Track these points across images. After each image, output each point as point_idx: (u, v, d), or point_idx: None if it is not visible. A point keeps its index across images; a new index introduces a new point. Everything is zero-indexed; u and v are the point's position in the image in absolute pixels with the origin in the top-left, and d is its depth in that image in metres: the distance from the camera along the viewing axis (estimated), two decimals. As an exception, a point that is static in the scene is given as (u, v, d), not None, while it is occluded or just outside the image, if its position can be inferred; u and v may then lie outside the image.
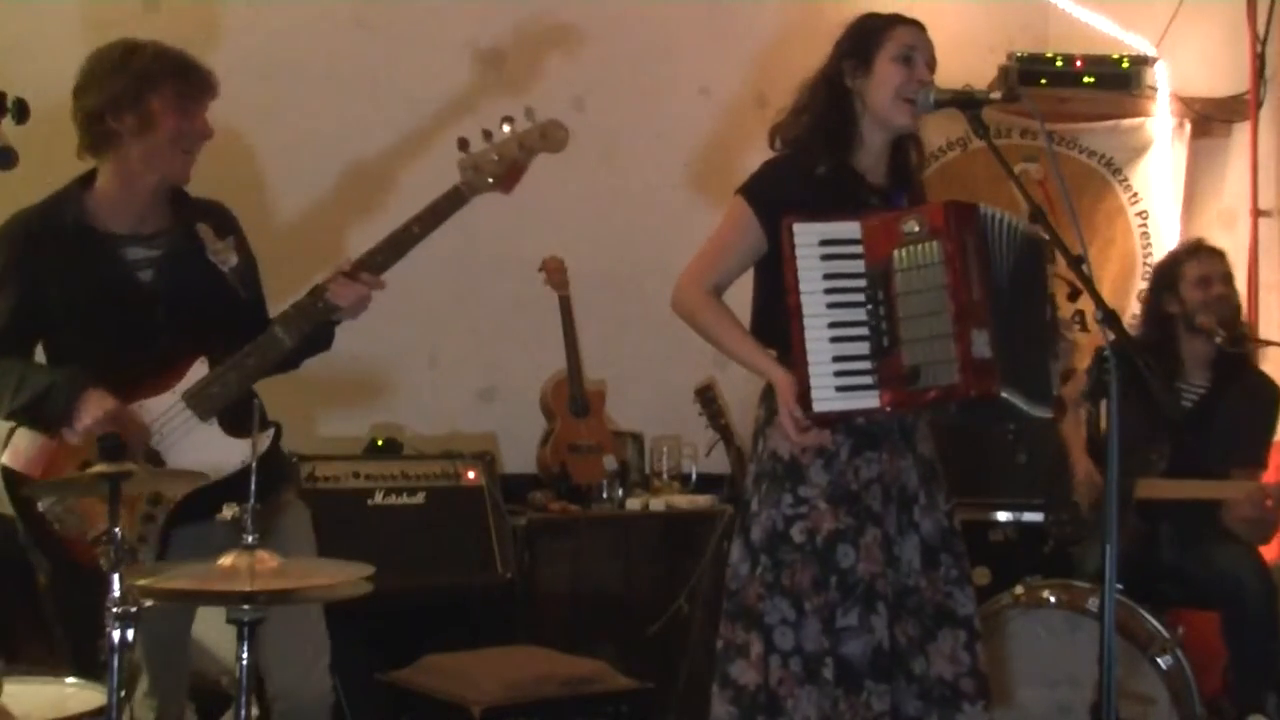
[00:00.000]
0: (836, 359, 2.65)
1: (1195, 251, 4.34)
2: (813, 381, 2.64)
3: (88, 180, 2.89)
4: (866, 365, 2.65)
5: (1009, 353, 2.65)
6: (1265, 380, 4.41)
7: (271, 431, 2.89)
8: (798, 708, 2.73)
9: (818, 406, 2.65)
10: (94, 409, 2.71)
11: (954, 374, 2.59)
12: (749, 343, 2.84)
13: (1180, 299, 4.24)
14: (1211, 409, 4.12)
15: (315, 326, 2.87)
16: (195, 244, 2.90)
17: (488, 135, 2.96)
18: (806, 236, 2.67)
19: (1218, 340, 4.23)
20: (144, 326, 2.83)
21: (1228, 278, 4.27)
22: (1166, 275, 4.34)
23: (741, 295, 2.98)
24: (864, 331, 2.66)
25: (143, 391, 2.80)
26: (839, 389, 2.65)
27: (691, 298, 2.89)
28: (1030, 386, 2.72)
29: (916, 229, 2.63)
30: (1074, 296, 3.14)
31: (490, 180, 2.95)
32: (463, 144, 2.95)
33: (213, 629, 2.98)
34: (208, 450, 2.79)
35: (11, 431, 2.85)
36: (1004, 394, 2.63)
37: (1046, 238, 2.82)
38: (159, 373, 2.82)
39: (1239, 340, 4.38)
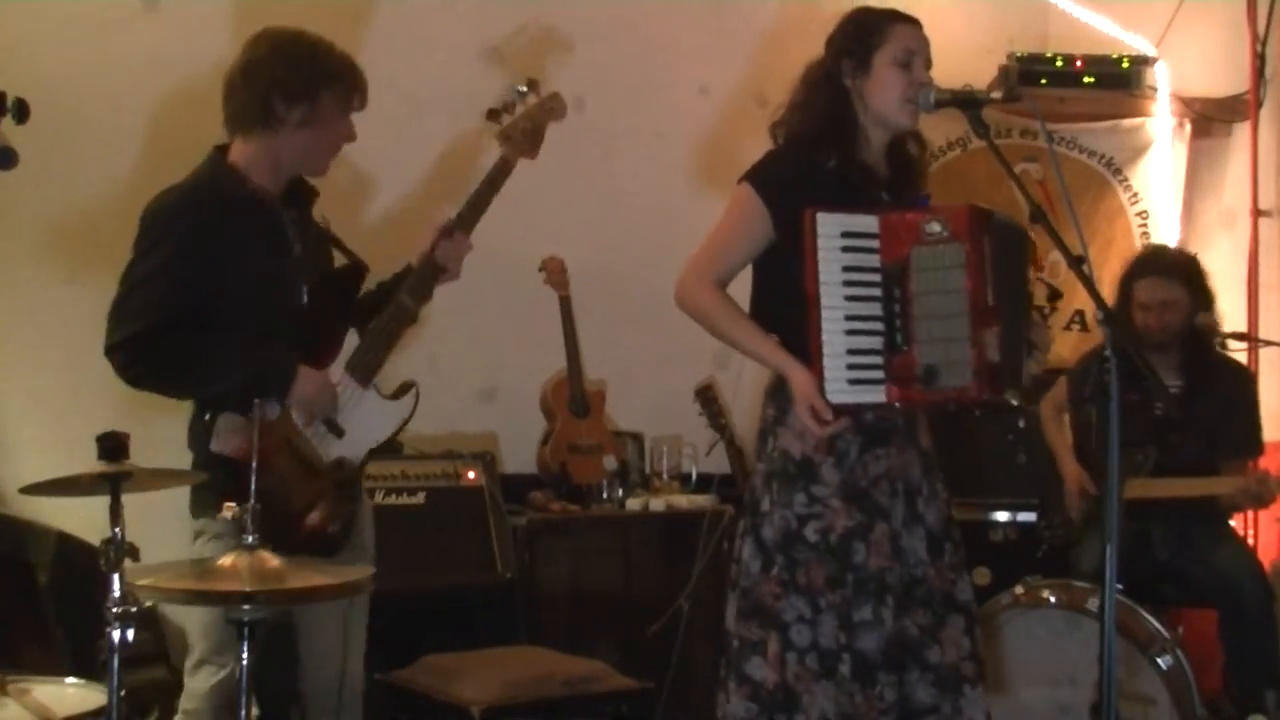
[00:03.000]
0: (851, 351, 2.66)
1: (1144, 271, 4.24)
2: (826, 374, 2.66)
3: (223, 152, 2.92)
4: (878, 360, 2.67)
5: (1008, 353, 2.67)
6: (1237, 368, 4.42)
7: (413, 390, 3.07)
8: (814, 703, 2.74)
9: (829, 398, 2.67)
10: (309, 382, 2.82)
11: (967, 377, 2.62)
12: (760, 337, 2.83)
13: (1132, 317, 4.21)
14: (1191, 408, 4.12)
15: (430, 291, 3.05)
16: (319, 217, 3.04)
17: (509, 108, 3.21)
18: (828, 227, 2.67)
19: (1217, 341, 4.24)
20: (296, 298, 2.91)
21: (1169, 303, 4.16)
22: (1123, 287, 4.29)
23: (740, 286, 2.97)
24: (878, 326, 2.67)
25: (319, 365, 2.89)
26: (851, 382, 2.67)
27: (697, 293, 2.87)
28: (1019, 379, 2.77)
29: (938, 230, 2.64)
30: (1054, 299, 3.16)
31: (525, 148, 3.20)
32: (493, 114, 3.21)
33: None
34: (375, 416, 2.97)
35: (210, 417, 2.79)
36: (1007, 396, 2.69)
37: (1029, 233, 2.85)
38: (315, 347, 2.89)
39: (1240, 338, 4.39)
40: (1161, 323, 4.15)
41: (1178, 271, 4.23)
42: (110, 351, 2.75)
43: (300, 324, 2.90)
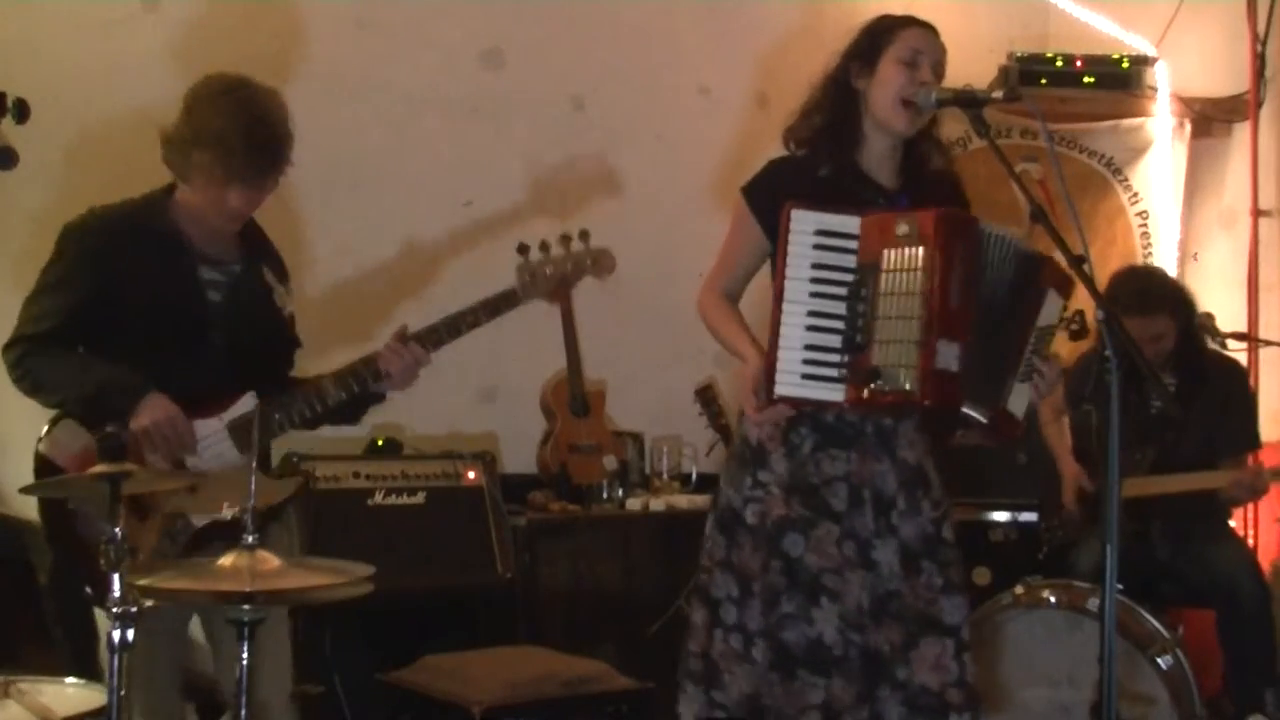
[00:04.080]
0: (808, 347, 2.66)
1: (1128, 310, 4.00)
2: (779, 365, 2.66)
3: (170, 190, 2.90)
4: (835, 359, 2.66)
5: (980, 368, 2.63)
6: (1229, 364, 4.41)
7: (299, 479, 2.99)
8: (734, 682, 2.77)
9: (779, 390, 2.66)
10: (154, 410, 2.72)
11: (912, 382, 2.58)
12: (737, 329, 2.86)
13: None
14: (1185, 405, 4.11)
15: (362, 390, 2.92)
16: (263, 283, 2.94)
17: (545, 247, 3.09)
18: (802, 224, 2.68)
19: (1216, 342, 4.24)
20: (199, 347, 2.84)
21: (1158, 335, 4.08)
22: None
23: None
24: (840, 325, 2.66)
25: (199, 411, 2.81)
26: (804, 376, 2.66)
27: (703, 302, 2.94)
28: (993, 399, 2.70)
29: (906, 231, 2.63)
30: (1077, 336, 3.12)
31: (543, 292, 3.10)
32: (523, 249, 3.08)
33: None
34: (239, 485, 2.76)
35: (54, 421, 2.83)
36: (965, 409, 2.63)
37: (1041, 214, 2.78)
38: (206, 397, 2.81)
39: (1239, 338, 4.38)
40: (1153, 353, 4.10)
41: (1160, 304, 4.13)
42: (3, 349, 2.83)
43: (199, 369, 2.82)
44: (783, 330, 2.66)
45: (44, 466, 2.82)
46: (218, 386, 2.83)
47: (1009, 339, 2.73)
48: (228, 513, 2.39)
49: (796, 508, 2.78)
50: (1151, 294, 4.17)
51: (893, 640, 2.77)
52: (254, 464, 2.41)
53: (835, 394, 2.66)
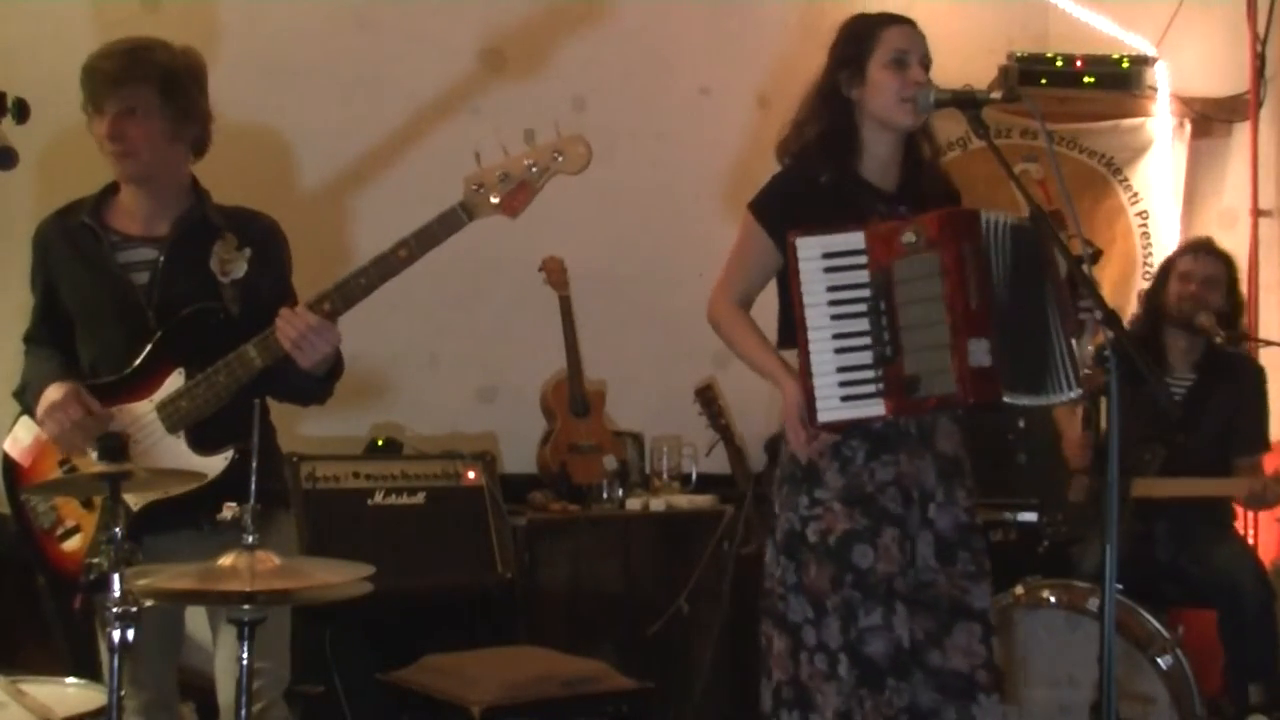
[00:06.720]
0: (841, 369, 2.68)
1: (1192, 249, 4.33)
2: (817, 393, 2.68)
3: (112, 185, 2.92)
4: (870, 374, 2.68)
5: (1012, 355, 2.66)
6: (1249, 364, 4.41)
7: (229, 453, 2.72)
8: (826, 703, 2.77)
9: (822, 417, 2.69)
10: (47, 399, 2.73)
11: (951, 384, 2.62)
12: (763, 349, 2.88)
13: (1167, 292, 4.24)
14: (1200, 404, 4.11)
15: (279, 360, 2.69)
16: (199, 252, 2.82)
17: (505, 151, 2.71)
18: (809, 250, 2.70)
19: (1217, 340, 4.23)
20: (137, 330, 2.81)
21: (1211, 280, 4.21)
22: (1164, 268, 4.36)
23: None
24: (867, 341, 2.68)
25: (128, 396, 2.79)
26: (844, 398, 2.69)
27: (716, 309, 2.96)
28: (1038, 382, 2.74)
29: (914, 239, 2.66)
30: (1093, 260, 3.10)
31: (494, 201, 2.69)
32: (478, 158, 2.72)
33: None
34: (171, 463, 2.73)
35: (15, 419, 2.89)
36: (1006, 399, 2.66)
37: (1040, 215, 2.77)
38: (144, 379, 2.80)
39: (1236, 340, 4.37)
40: (1198, 295, 4.15)
41: (1220, 254, 4.30)
42: None
43: (139, 351, 2.78)
44: (812, 358, 2.68)
45: (5, 462, 2.89)
46: (153, 367, 2.80)
47: (1036, 313, 2.75)
48: (228, 513, 2.38)
49: (859, 519, 2.79)
50: (1222, 250, 4.35)
51: (927, 628, 2.81)
52: (254, 462, 2.40)
53: (876, 408, 2.69)
